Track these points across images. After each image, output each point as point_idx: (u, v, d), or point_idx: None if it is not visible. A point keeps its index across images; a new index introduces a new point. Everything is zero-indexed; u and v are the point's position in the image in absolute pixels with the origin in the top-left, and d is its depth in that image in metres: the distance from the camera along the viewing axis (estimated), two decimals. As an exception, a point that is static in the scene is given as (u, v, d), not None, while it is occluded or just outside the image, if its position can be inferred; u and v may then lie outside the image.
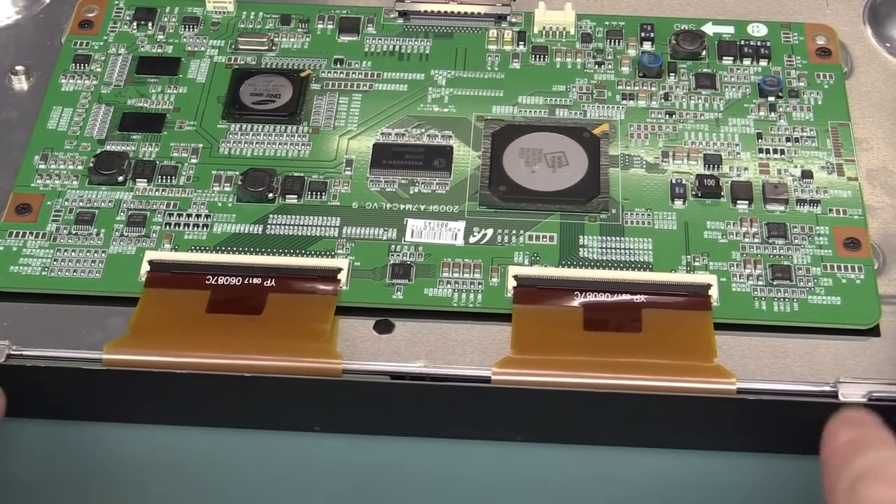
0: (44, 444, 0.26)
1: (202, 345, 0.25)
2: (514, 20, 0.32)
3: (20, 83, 0.32)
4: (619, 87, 0.30)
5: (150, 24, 0.32)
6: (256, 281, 0.26)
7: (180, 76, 0.30)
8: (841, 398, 0.25)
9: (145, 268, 0.26)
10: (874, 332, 0.27)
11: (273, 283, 0.26)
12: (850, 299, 0.27)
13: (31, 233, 0.28)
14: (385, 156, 0.28)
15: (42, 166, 0.29)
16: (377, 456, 0.26)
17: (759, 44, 0.31)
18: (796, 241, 0.27)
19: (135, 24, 0.32)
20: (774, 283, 0.26)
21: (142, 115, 0.30)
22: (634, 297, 0.27)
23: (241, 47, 0.31)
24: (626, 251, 0.27)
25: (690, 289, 0.26)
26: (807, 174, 0.28)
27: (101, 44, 0.31)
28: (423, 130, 0.29)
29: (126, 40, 0.31)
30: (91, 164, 0.29)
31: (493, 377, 0.25)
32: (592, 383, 0.25)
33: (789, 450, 0.26)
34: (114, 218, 0.27)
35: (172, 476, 0.25)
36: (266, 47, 0.31)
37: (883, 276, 0.27)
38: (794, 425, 0.25)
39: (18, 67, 0.32)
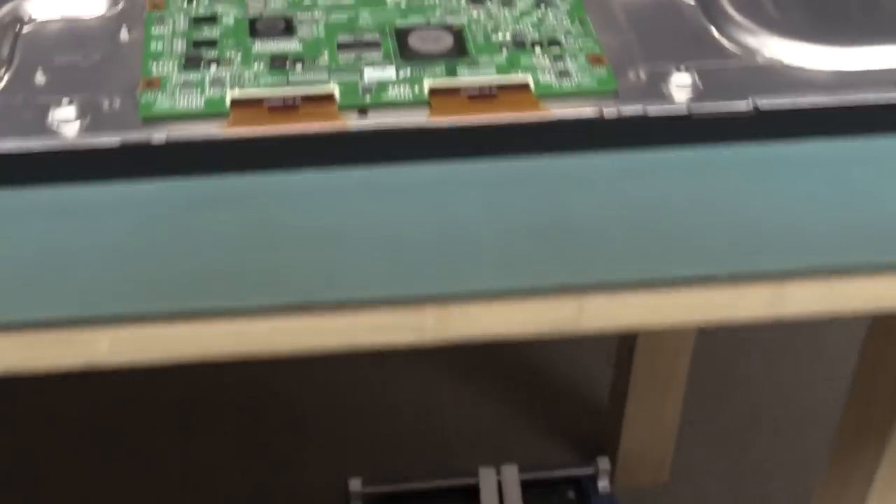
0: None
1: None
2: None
3: (124, 36, 0.48)
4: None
5: None
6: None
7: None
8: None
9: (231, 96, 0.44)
10: (615, 94, 0.45)
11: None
12: (602, 81, 0.46)
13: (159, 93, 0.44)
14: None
15: (154, 67, 0.46)
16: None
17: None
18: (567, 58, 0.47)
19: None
20: (557, 75, 0.46)
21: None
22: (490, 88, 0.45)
23: None
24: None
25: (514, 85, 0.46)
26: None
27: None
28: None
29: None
30: (184, 61, 0.46)
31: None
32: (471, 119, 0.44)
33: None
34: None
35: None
36: None
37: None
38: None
39: (123, 26, 0.48)
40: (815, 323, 1.55)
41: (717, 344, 1.53)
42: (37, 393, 1.43)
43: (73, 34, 0.49)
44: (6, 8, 0.49)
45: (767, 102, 0.46)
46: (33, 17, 0.50)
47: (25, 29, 0.49)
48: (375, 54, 0.48)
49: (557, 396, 1.49)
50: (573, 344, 1.55)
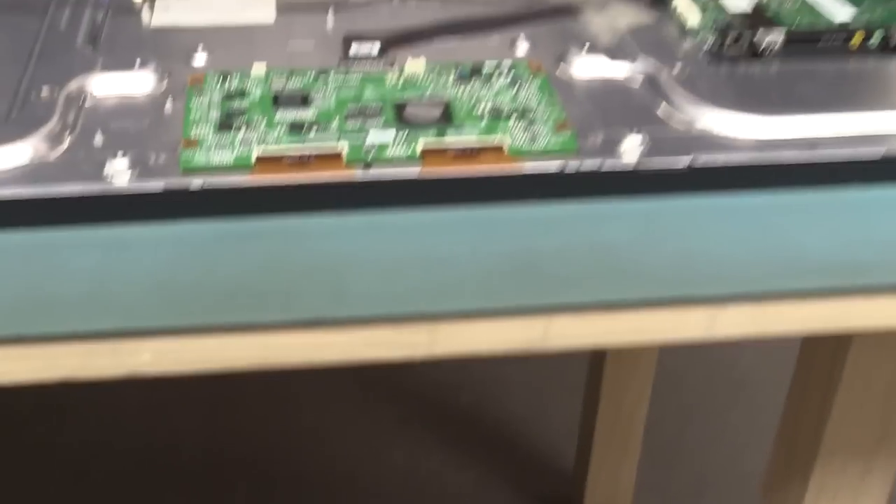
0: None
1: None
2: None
3: (168, 106, 0.50)
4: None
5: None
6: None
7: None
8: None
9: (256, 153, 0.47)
10: (577, 154, 0.47)
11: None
12: (566, 143, 0.47)
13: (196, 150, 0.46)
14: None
15: (193, 130, 0.48)
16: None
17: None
18: (536, 125, 0.49)
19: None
20: (528, 139, 0.49)
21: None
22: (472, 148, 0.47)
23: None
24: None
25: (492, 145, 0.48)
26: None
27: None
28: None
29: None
30: (218, 126, 0.48)
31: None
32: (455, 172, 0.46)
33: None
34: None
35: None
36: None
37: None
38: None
39: (168, 99, 0.50)
40: (754, 396, 1.57)
41: (666, 414, 1.54)
42: (60, 459, 1.43)
43: (127, 105, 0.51)
44: (73, 83, 0.52)
45: (702, 160, 0.48)
46: (95, 90, 0.52)
47: (88, 101, 0.52)
48: (377, 121, 0.50)
49: (529, 462, 1.49)
50: (543, 415, 1.56)
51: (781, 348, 1.61)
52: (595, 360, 1.32)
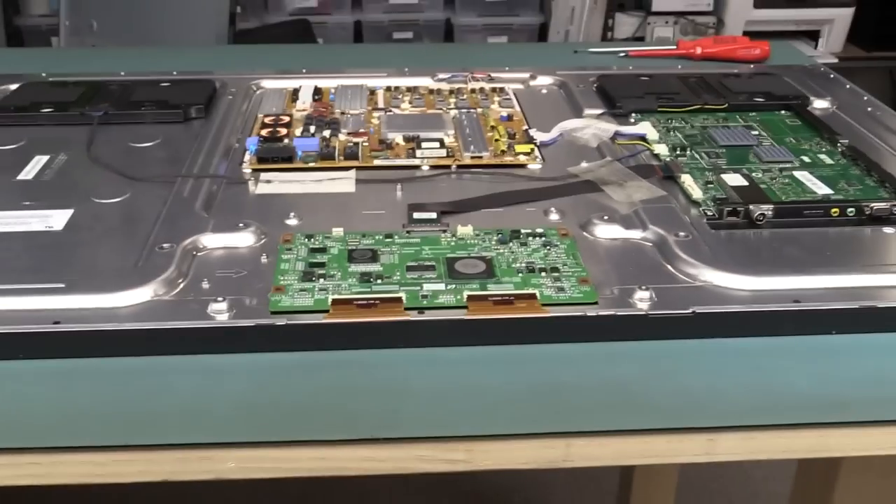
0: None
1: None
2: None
3: (264, 259, 0.49)
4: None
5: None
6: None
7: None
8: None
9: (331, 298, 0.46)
10: (596, 304, 0.46)
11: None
12: (587, 295, 0.46)
13: (283, 295, 0.46)
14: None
15: (282, 279, 0.47)
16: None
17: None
18: (563, 280, 0.48)
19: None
20: (556, 290, 0.48)
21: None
22: (509, 297, 0.46)
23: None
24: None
25: (526, 295, 0.47)
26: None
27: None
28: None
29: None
30: (302, 276, 0.48)
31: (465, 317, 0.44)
32: (495, 317, 0.45)
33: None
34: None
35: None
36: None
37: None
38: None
39: (263, 253, 0.49)
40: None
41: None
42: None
43: (231, 257, 0.51)
44: (189, 240, 0.51)
45: (703, 310, 0.46)
46: (206, 245, 0.52)
47: (200, 254, 0.51)
48: (432, 274, 0.49)
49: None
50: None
51: (792, 463, 1.53)
52: (625, 470, 1.27)
